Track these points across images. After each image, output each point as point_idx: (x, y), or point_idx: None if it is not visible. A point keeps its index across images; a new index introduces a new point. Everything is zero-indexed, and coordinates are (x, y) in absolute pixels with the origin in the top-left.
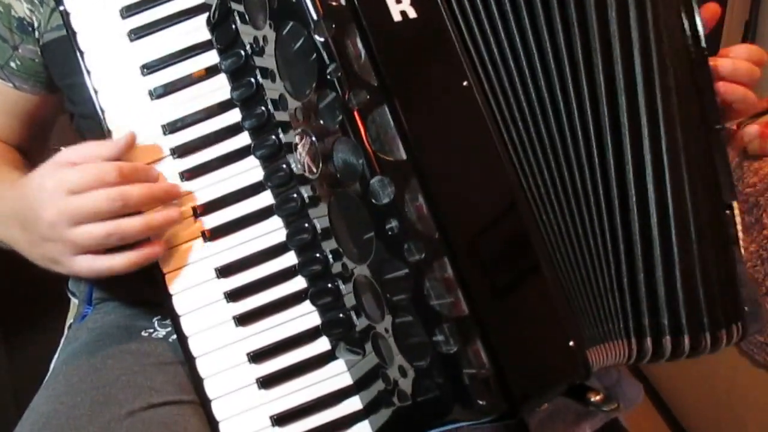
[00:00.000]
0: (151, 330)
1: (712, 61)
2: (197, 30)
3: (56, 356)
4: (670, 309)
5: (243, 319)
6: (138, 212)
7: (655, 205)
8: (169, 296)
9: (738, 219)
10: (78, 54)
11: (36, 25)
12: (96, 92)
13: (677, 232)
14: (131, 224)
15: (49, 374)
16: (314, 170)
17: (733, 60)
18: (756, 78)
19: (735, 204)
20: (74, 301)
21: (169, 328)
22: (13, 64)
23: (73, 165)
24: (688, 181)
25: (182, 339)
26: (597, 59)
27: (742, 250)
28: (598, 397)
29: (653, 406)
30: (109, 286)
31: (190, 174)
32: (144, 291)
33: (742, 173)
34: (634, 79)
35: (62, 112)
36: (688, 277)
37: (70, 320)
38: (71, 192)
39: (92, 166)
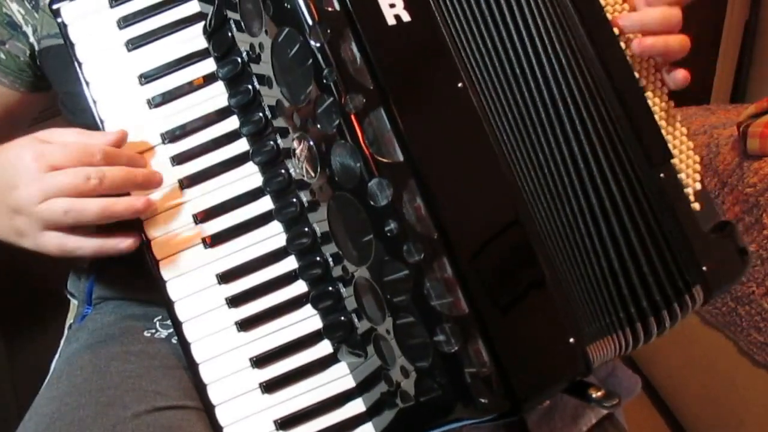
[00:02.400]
0: (153, 330)
1: (620, 20)
2: (194, 39)
3: (57, 356)
4: (645, 289)
5: (245, 325)
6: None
7: (613, 183)
8: (171, 303)
9: (691, 181)
10: (76, 65)
11: (31, 31)
12: (95, 102)
13: (625, 207)
14: (88, 204)
15: (50, 374)
16: (313, 174)
17: (639, 13)
18: (674, 21)
19: (681, 162)
20: (73, 302)
21: (171, 329)
22: None
23: (56, 143)
24: (612, 149)
25: (185, 345)
26: (560, 53)
27: (696, 206)
28: (599, 393)
29: (653, 406)
30: (109, 285)
31: (189, 181)
32: (144, 291)
33: (742, 173)
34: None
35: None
36: (646, 250)
37: (69, 320)
38: (51, 167)
39: (78, 144)
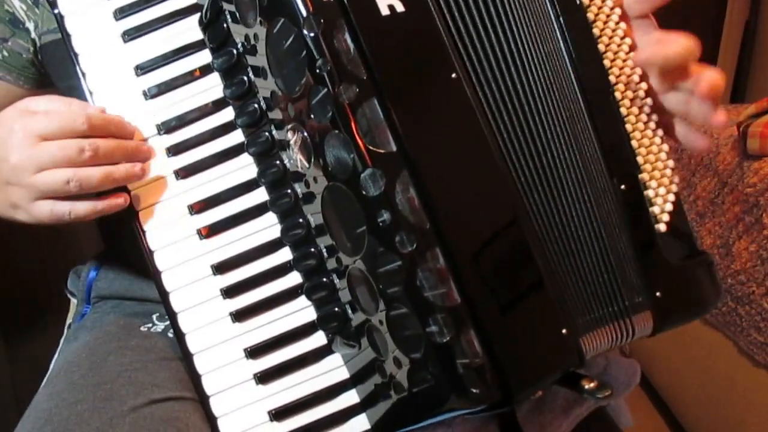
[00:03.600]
0: (150, 325)
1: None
2: (190, 30)
3: (56, 356)
4: (627, 288)
5: (240, 315)
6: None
7: (573, 180)
8: (166, 294)
9: (660, 201)
10: (73, 57)
11: (33, 27)
12: (91, 94)
13: (583, 204)
14: (91, 173)
15: (49, 373)
16: (307, 165)
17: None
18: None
19: (651, 180)
20: (73, 301)
21: (168, 323)
22: None
23: (40, 113)
24: (577, 148)
25: (180, 336)
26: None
27: (662, 227)
28: (591, 384)
29: (653, 406)
30: (108, 284)
31: (185, 172)
32: (142, 289)
33: (742, 173)
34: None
35: None
36: (617, 257)
37: (69, 320)
38: (41, 138)
39: (62, 112)
